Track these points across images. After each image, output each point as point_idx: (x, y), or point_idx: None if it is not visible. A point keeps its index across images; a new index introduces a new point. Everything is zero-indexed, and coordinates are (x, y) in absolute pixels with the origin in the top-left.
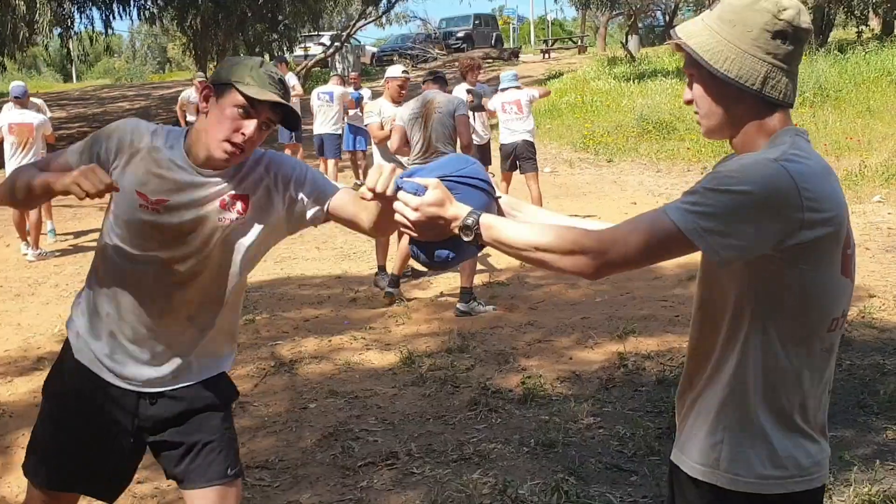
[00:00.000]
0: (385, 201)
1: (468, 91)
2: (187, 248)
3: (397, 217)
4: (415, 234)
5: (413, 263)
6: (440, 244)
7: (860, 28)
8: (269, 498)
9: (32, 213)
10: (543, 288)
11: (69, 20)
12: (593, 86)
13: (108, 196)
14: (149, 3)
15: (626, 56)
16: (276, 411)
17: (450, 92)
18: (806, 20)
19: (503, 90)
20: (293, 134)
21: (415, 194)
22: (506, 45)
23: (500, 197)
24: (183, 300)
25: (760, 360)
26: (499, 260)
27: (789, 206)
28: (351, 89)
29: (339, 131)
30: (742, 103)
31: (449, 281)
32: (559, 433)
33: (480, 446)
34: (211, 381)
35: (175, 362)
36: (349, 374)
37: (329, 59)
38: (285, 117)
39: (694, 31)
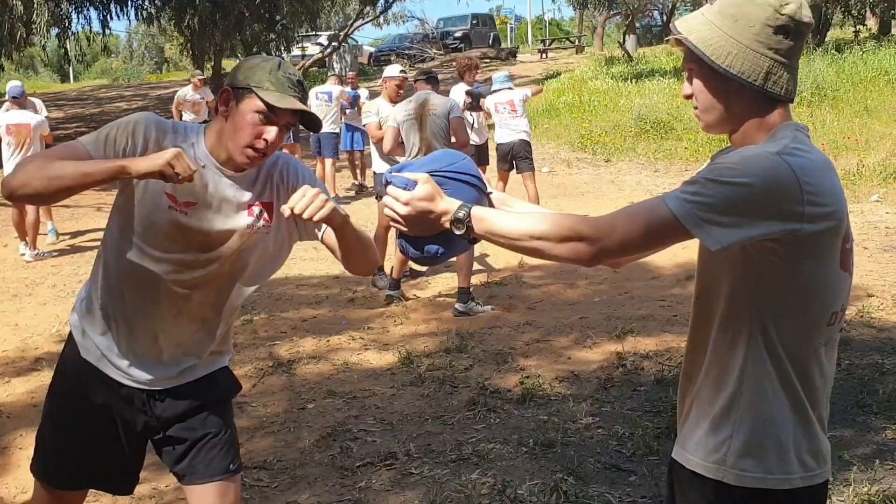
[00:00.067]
0: (311, 225)
1: (467, 92)
2: (212, 252)
3: (387, 212)
4: (405, 229)
5: (412, 265)
6: (430, 239)
7: (857, 27)
8: (268, 498)
9: (30, 214)
10: (542, 288)
11: (66, 20)
12: (591, 86)
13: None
14: (146, 3)
15: (623, 56)
16: (275, 412)
17: (446, 92)
18: (807, 14)
19: (495, 91)
20: (291, 133)
21: (404, 189)
22: (503, 45)
23: (491, 193)
24: (201, 302)
25: (766, 356)
26: (497, 260)
27: (790, 199)
28: (349, 89)
29: (337, 130)
30: (743, 98)
31: (447, 281)
32: (558, 433)
33: (479, 446)
34: (215, 375)
35: (185, 362)
36: (347, 374)
37: (326, 59)
38: (304, 118)
39: (694, 26)
